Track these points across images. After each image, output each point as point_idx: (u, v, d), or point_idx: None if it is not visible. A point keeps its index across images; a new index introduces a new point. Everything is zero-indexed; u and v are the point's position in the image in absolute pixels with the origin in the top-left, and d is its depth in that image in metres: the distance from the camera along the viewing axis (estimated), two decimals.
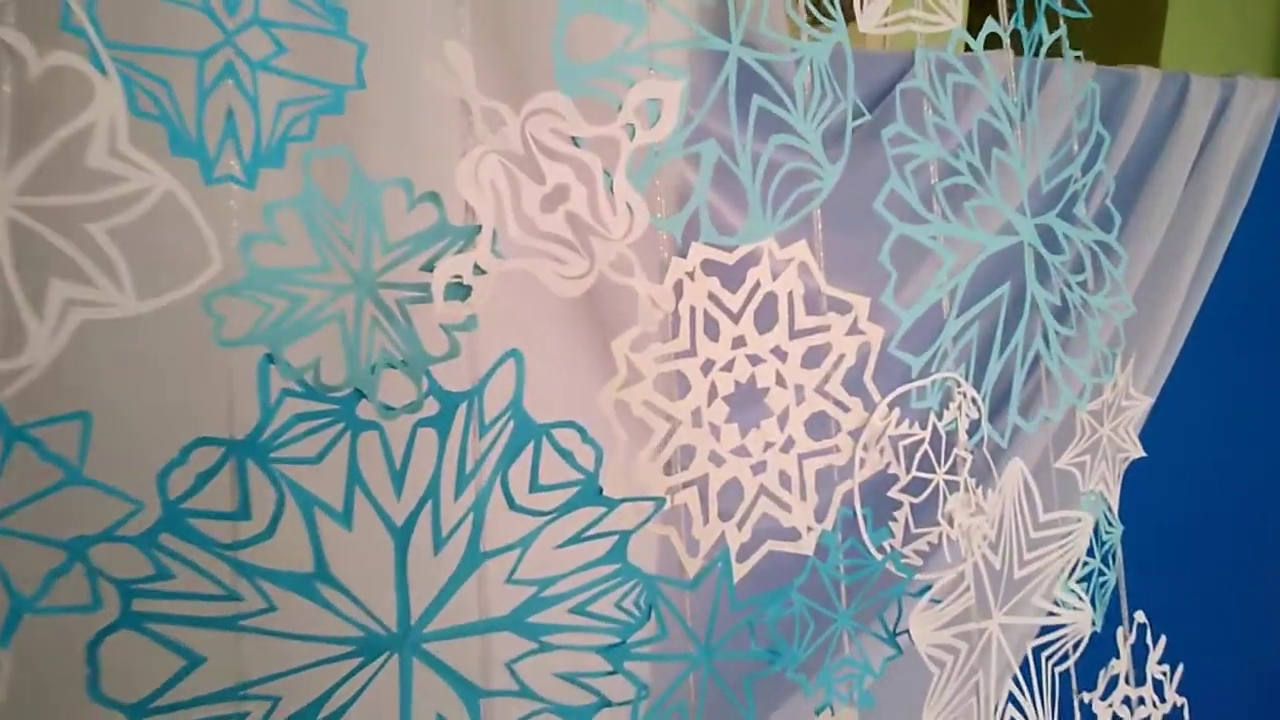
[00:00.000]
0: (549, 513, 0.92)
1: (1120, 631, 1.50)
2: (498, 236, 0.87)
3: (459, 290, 0.86)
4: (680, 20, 0.94)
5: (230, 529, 0.83)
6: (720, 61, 0.96)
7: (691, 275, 0.96)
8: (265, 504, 0.83)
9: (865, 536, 1.11)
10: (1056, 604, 1.35)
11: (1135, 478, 1.54)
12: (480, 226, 0.86)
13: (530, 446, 0.91)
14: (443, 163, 0.85)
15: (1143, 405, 1.49)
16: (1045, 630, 1.35)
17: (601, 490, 0.94)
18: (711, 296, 0.99)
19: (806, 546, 1.07)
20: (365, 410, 0.85)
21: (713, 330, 1.00)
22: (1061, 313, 1.32)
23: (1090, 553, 1.42)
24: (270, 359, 0.82)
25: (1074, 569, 1.38)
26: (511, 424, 0.90)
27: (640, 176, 0.93)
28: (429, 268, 0.85)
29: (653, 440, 0.96)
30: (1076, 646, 1.38)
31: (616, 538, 0.96)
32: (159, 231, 0.78)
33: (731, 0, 0.96)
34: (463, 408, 0.88)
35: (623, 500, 0.95)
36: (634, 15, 0.91)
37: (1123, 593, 1.52)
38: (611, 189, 0.92)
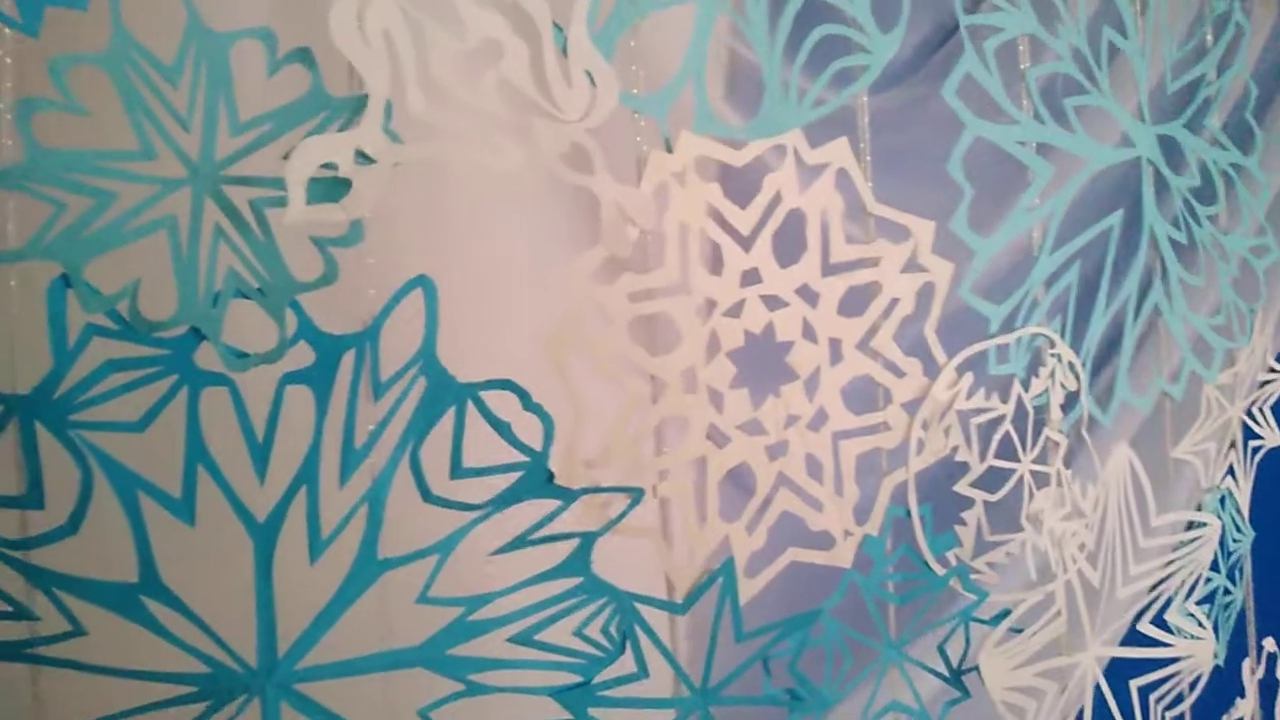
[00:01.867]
0: (479, 507, 0.70)
1: (1247, 664, 1.24)
2: (393, 111, 0.63)
3: (335, 187, 0.62)
4: None
5: (17, 520, 0.62)
6: None
7: (681, 178, 0.72)
8: (65, 486, 0.62)
9: (923, 544, 0.87)
10: (1170, 631, 1.09)
11: (1271, 472, 1.26)
12: (368, 97, 0.63)
13: (450, 414, 0.68)
14: (318, 6, 0.62)
15: None
16: (1154, 665, 1.09)
17: (553, 477, 0.71)
18: (712, 211, 0.74)
19: (843, 557, 0.83)
20: (207, 358, 0.62)
21: (713, 259, 0.75)
22: (1188, 254, 1.05)
23: (1214, 566, 1.16)
24: (66, 281, 0.60)
25: (1194, 587, 1.11)
26: (422, 381, 0.67)
27: (608, 33, 0.69)
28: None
29: (627, 409, 0.72)
30: (1194, 685, 1.12)
31: (577, 542, 0.73)
32: None
33: None
34: (349, 358, 0.65)
35: (583, 491, 0.71)
36: None
37: (1250, 615, 1.26)
38: (565, 49, 0.67)
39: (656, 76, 0.72)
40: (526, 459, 0.70)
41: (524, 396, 0.69)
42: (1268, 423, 1.24)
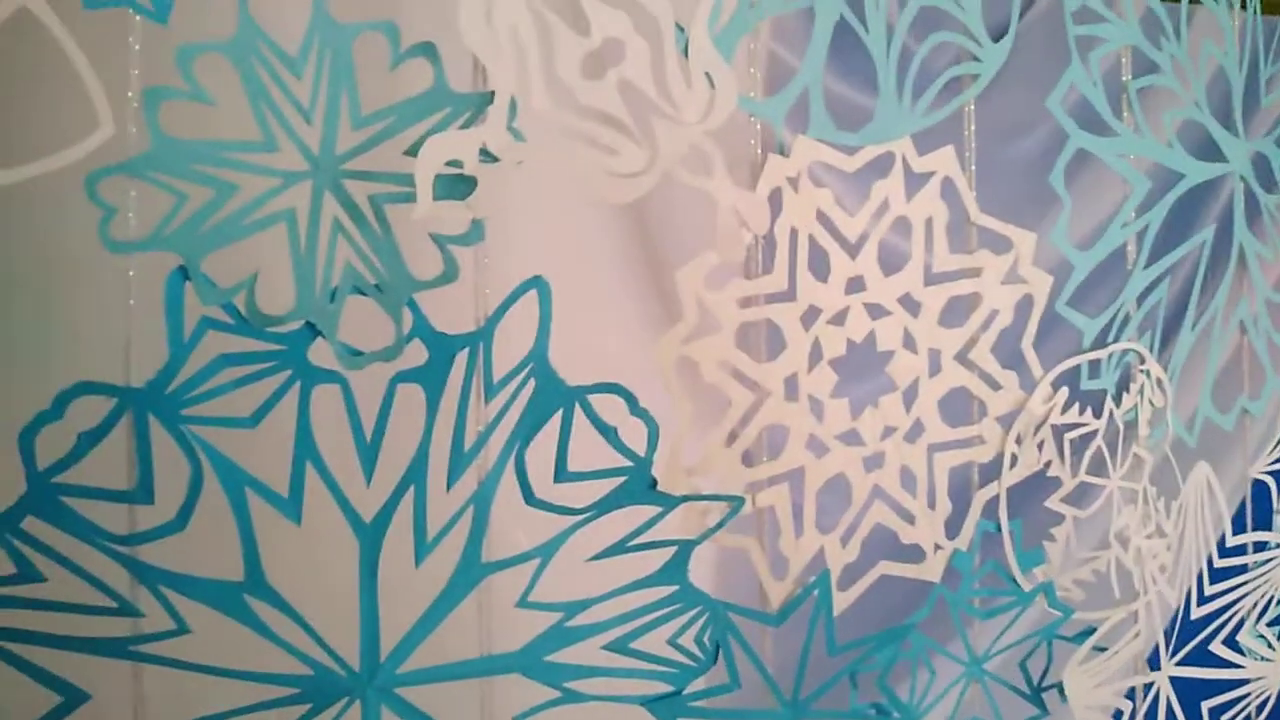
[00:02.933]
0: (582, 511, 0.68)
1: None
2: (517, 109, 0.62)
3: (459, 185, 0.61)
4: None
5: (126, 515, 0.60)
6: None
7: (795, 183, 0.70)
8: (175, 481, 0.61)
9: (1012, 560, 0.85)
10: (1242, 652, 1.07)
11: None
12: (494, 94, 0.61)
13: (558, 417, 0.67)
14: (444, 1, 0.61)
15: None
16: (1224, 686, 1.07)
17: (655, 483, 0.69)
18: (821, 217, 0.73)
19: (933, 570, 0.81)
20: (321, 354, 0.61)
21: (820, 266, 0.74)
22: (1275, 271, 1.03)
23: None
24: (184, 273, 0.58)
25: (1266, 608, 1.09)
26: (532, 384, 0.66)
27: (729, 36, 0.67)
28: (416, 151, 0.60)
29: (730, 416, 0.71)
30: (1262, 708, 1.10)
31: (675, 550, 0.72)
32: (12, 69, 0.55)
33: None
34: (462, 357, 0.64)
35: (684, 498, 0.70)
36: None
37: None
38: (686, 51, 0.66)
39: (773, 80, 0.70)
40: (631, 464, 0.69)
41: (631, 401, 0.67)
42: None
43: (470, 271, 0.63)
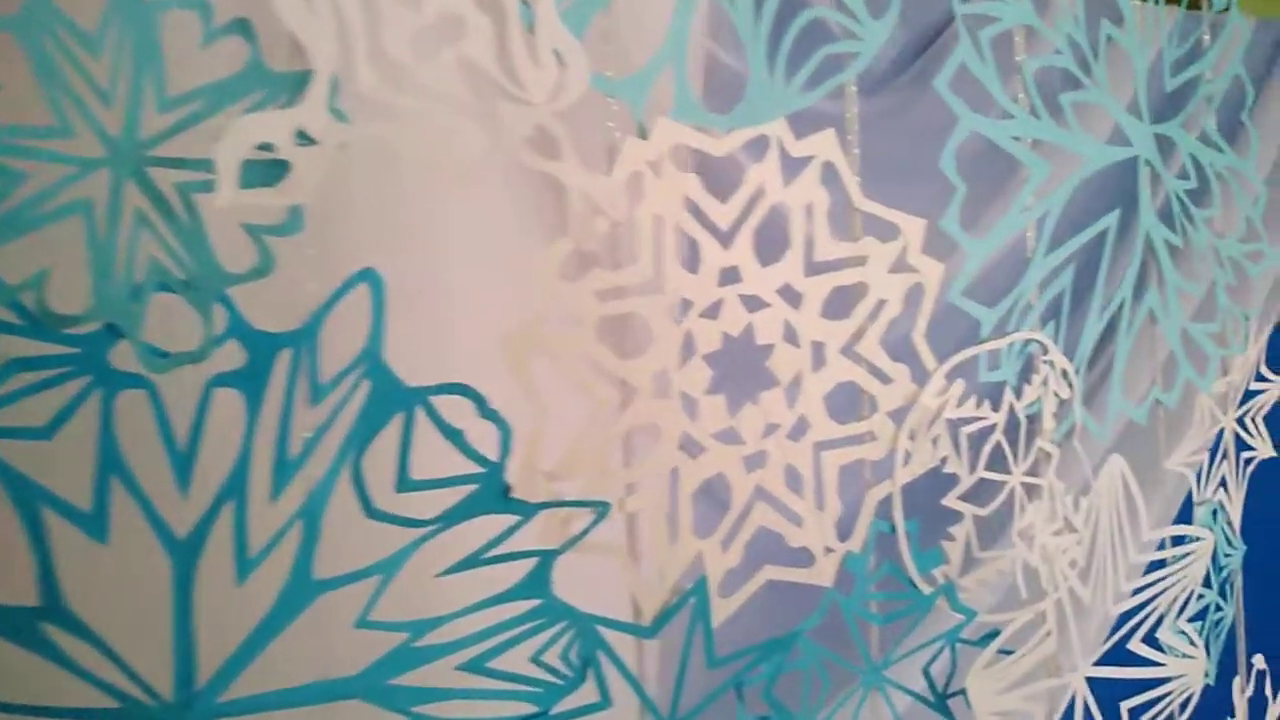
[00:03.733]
0: (429, 522, 0.63)
1: (1237, 683, 1.19)
2: (340, 89, 0.56)
3: (271, 170, 0.55)
4: None
5: None
6: None
7: (656, 168, 0.65)
8: None
9: (909, 561, 0.80)
10: (1162, 650, 1.04)
11: (1262, 484, 1.21)
12: (312, 72, 0.56)
13: (397, 421, 0.61)
14: None
15: (1276, 389, 1.16)
16: (1144, 685, 1.04)
17: (510, 490, 0.64)
18: (689, 204, 0.68)
19: (824, 575, 0.77)
20: (124, 357, 0.55)
21: (690, 256, 0.69)
22: (1183, 259, 1.00)
23: (1205, 582, 1.10)
24: None
25: (1186, 604, 1.06)
26: (366, 385, 0.61)
27: (580, 12, 0.63)
28: None
29: (593, 416, 0.66)
30: (1185, 706, 1.07)
31: (536, 561, 0.66)
32: None
33: None
34: (284, 358, 0.59)
35: (543, 505, 0.65)
36: None
37: (1240, 632, 1.21)
38: (532, 27, 0.61)
39: (633, 59, 0.66)
40: (481, 470, 0.64)
41: (479, 402, 0.62)
42: (1260, 433, 1.19)
43: (292, 265, 0.58)
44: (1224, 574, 1.15)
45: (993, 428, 0.83)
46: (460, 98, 0.59)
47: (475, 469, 0.64)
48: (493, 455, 0.64)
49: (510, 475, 0.64)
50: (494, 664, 0.66)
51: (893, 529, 0.80)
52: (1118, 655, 1.01)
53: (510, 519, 0.65)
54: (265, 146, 0.55)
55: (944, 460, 0.81)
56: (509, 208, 0.66)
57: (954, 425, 0.81)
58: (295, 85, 0.57)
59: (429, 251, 0.65)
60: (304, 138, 0.56)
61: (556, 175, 0.61)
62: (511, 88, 0.61)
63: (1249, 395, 1.15)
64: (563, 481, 0.66)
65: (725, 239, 0.71)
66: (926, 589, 0.82)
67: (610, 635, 0.69)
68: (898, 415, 0.79)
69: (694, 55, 0.71)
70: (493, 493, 0.64)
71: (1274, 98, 1.55)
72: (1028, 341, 0.86)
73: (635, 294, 0.67)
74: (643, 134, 0.66)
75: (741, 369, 0.73)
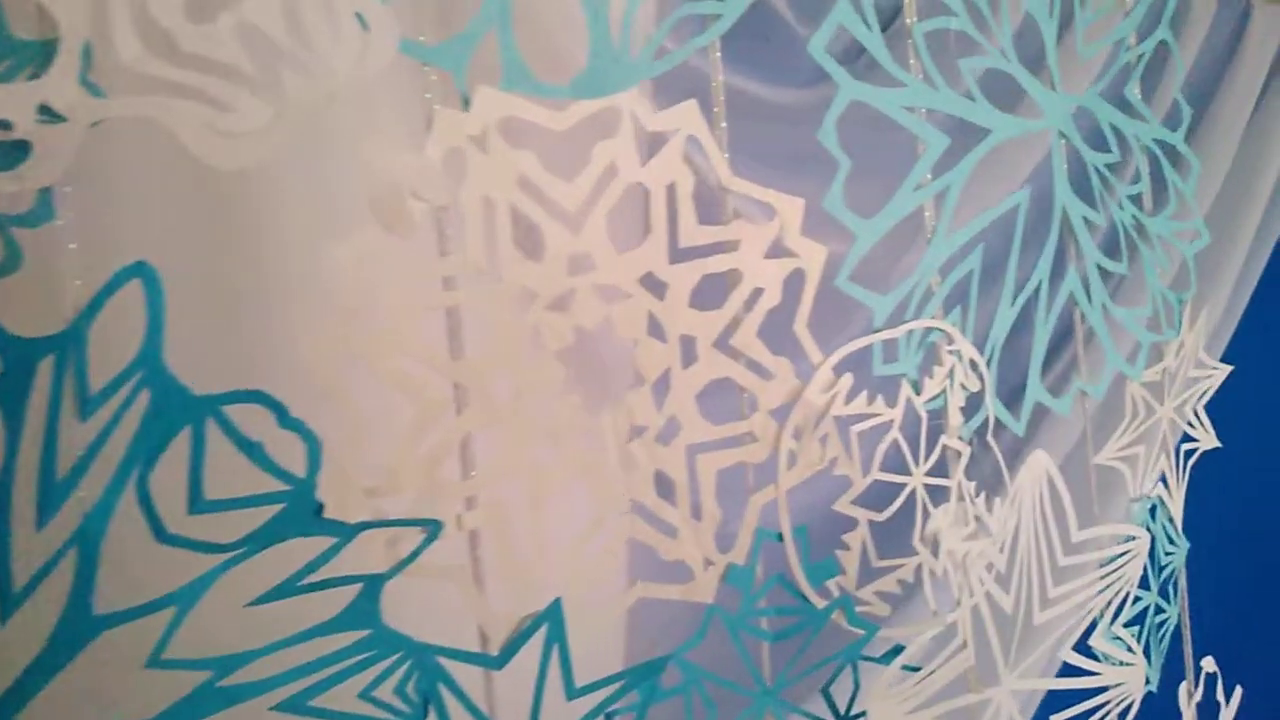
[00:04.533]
0: (231, 547, 0.57)
1: (1184, 688, 1.14)
2: (94, 58, 0.50)
3: (11, 152, 0.49)
4: None
5: None
6: None
7: (481, 143, 0.59)
8: None
9: (799, 572, 0.75)
10: (1096, 658, 0.98)
11: (1205, 476, 1.16)
12: (60, 40, 0.50)
13: (185, 434, 0.55)
14: None
15: (1218, 376, 1.12)
16: (1078, 696, 0.98)
17: (322, 509, 0.58)
18: (525, 184, 0.62)
19: (704, 590, 0.71)
20: None
21: (530, 242, 0.63)
22: (1107, 239, 0.95)
23: (1144, 583, 1.05)
24: None
25: (1121, 608, 1.01)
26: (145, 394, 0.54)
27: None
28: None
29: (419, 423, 0.60)
30: (1124, 715, 1.01)
31: (360, 587, 0.60)
32: None
33: None
34: (45, 366, 0.52)
35: (363, 525, 0.59)
36: None
37: (1186, 634, 1.16)
38: None
39: (453, 21, 0.60)
40: (287, 488, 0.58)
41: (280, 411, 0.56)
42: (1202, 423, 1.14)
43: (48, 260, 0.52)
44: (1165, 573, 1.10)
45: (889, 425, 0.77)
46: (241, 68, 0.53)
47: (281, 486, 0.58)
48: (299, 471, 0.58)
49: (322, 492, 0.58)
50: (317, 702, 0.60)
51: (779, 538, 0.74)
52: (1048, 666, 0.96)
53: (327, 541, 0.59)
54: (4, 125, 0.49)
55: (834, 462, 0.75)
56: (301, 190, 0.60)
57: (844, 423, 0.75)
58: (37, 54, 0.51)
59: (210, 242, 0.59)
60: (48, 114, 0.50)
61: (358, 153, 0.55)
62: (304, 55, 0.55)
63: (1188, 383, 1.10)
64: (386, 498, 0.60)
65: (574, 223, 0.65)
66: (820, 603, 0.76)
67: (454, 666, 0.64)
68: (781, 414, 0.73)
69: (541, 19, 0.65)
70: (302, 512, 0.58)
71: (1242, 79, 1.53)
72: (929, 330, 0.80)
73: (465, 284, 0.61)
74: (466, 106, 0.60)
75: (600, 366, 0.68)
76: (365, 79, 0.56)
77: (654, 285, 0.68)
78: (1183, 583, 1.15)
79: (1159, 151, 1.02)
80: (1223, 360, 1.30)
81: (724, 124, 0.71)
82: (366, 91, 0.56)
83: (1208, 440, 1.14)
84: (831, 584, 0.76)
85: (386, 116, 0.57)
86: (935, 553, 0.81)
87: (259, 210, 0.60)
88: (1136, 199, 0.99)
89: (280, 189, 0.59)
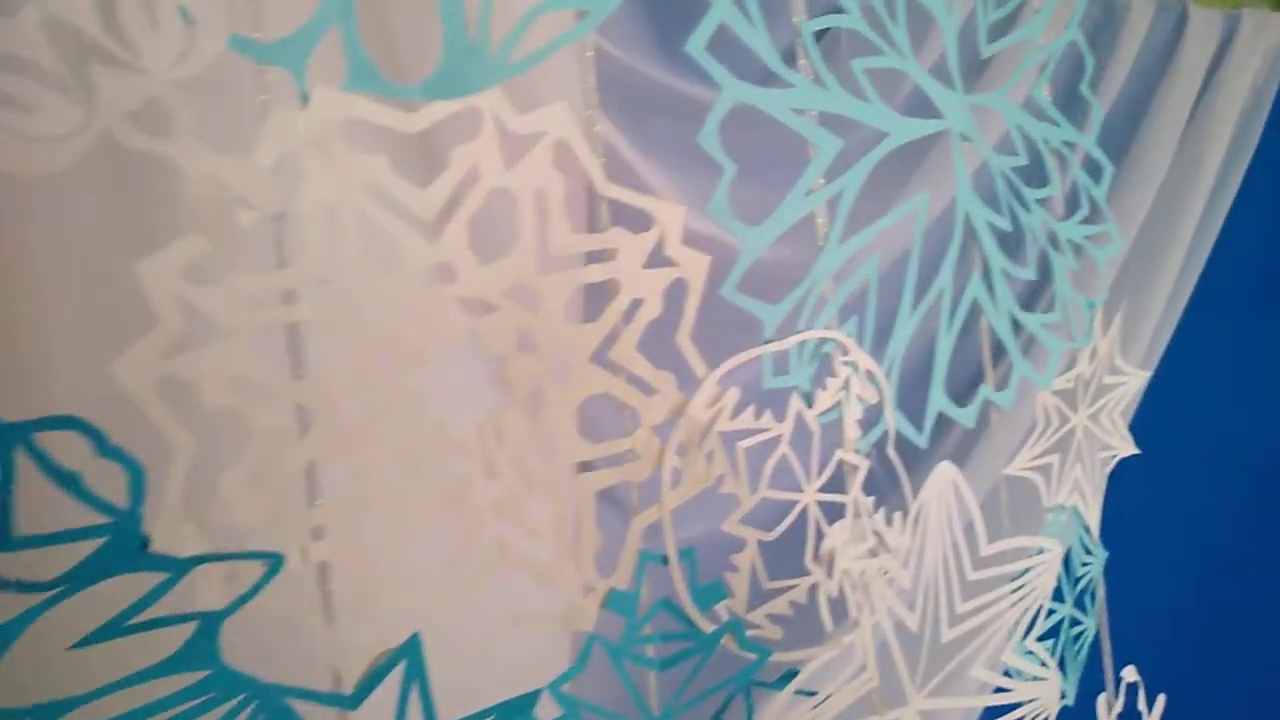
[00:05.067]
0: (48, 586, 0.53)
1: (1103, 699, 1.13)
2: None
3: None
4: None
5: None
6: None
7: (322, 146, 0.56)
8: None
9: (685, 596, 0.72)
10: (1009, 674, 0.97)
11: (1124, 483, 1.15)
12: None
13: None
14: None
15: (1135, 382, 1.11)
16: (992, 713, 0.97)
17: (148, 542, 0.54)
18: (374, 190, 0.58)
19: (583, 618, 0.68)
20: None
21: (383, 252, 0.59)
22: (1013, 244, 0.93)
23: (1058, 595, 1.04)
24: None
25: (1034, 622, 0.99)
26: None
27: None
28: None
29: (256, 449, 0.56)
30: None
31: (196, 626, 0.56)
32: None
33: None
34: None
35: (195, 559, 0.55)
36: None
37: (1105, 644, 1.15)
38: None
39: (291, 16, 0.56)
40: (109, 520, 0.54)
41: (98, 438, 0.52)
42: (1118, 430, 1.13)
43: None
44: (1081, 584, 1.09)
45: (778, 440, 0.75)
46: (44, 65, 0.49)
47: (101, 519, 0.54)
48: (121, 502, 0.54)
49: (148, 524, 0.54)
50: None
51: (665, 560, 0.71)
52: (957, 684, 0.94)
53: (158, 577, 0.56)
54: None
55: (721, 479, 0.72)
56: (114, 199, 0.56)
57: (730, 439, 0.73)
58: None
59: (12, 256, 0.55)
60: None
61: (172, 156, 0.51)
62: (119, 52, 0.51)
63: (1103, 390, 1.09)
64: (221, 529, 0.56)
65: (431, 232, 0.61)
66: (709, 627, 0.73)
67: (304, 707, 0.60)
68: (663, 429, 0.71)
69: (390, 14, 0.62)
70: (127, 546, 0.54)
71: (1178, 84, 1.54)
72: (822, 341, 0.78)
73: (308, 298, 0.57)
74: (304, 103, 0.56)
75: (467, 382, 0.64)
76: (184, 77, 0.52)
77: (524, 297, 0.65)
78: (1101, 593, 1.14)
79: (1069, 153, 1.00)
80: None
81: (598, 127, 0.68)
82: (192, 92, 0.52)
83: (1125, 447, 1.14)
84: (721, 607, 0.74)
85: (217, 119, 0.53)
86: (830, 572, 0.78)
87: (69, 222, 0.56)
88: (1046, 203, 0.97)
89: (93, 197, 0.55)
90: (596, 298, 0.68)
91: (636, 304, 0.69)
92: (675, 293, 0.70)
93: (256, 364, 0.56)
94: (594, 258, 0.67)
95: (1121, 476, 1.15)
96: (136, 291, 0.52)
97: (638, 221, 0.68)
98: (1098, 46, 1.53)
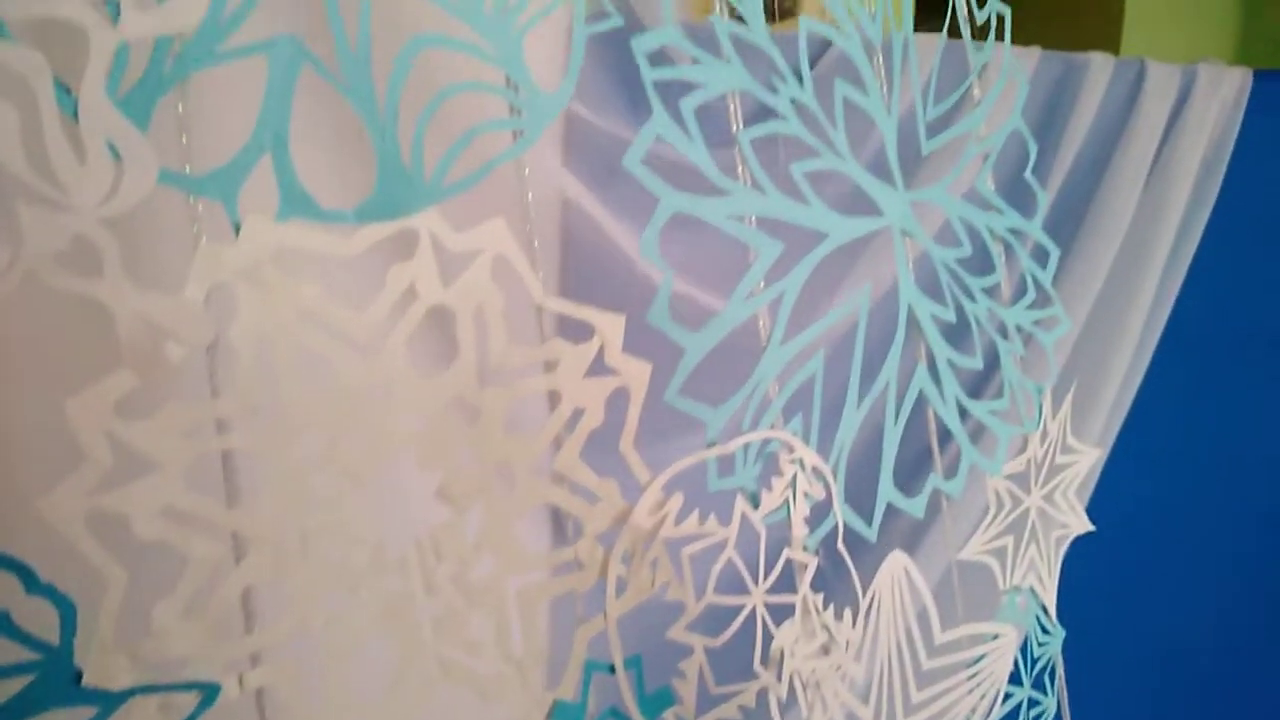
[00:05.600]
0: None
1: None
2: None
3: None
4: None
5: None
6: None
7: (252, 277, 0.56)
8: None
9: (633, 706, 0.71)
10: None
11: (1080, 559, 1.16)
12: None
13: None
14: None
15: (1088, 460, 1.12)
16: None
17: (80, 676, 0.53)
18: (307, 316, 0.59)
19: None
20: None
21: (317, 375, 0.59)
22: (958, 334, 0.94)
23: (1015, 678, 1.04)
24: None
25: (992, 707, 0.99)
26: None
27: (142, 96, 0.54)
28: None
29: (191, 578, 0.55)
30: None
31: None
32: None
33: None
34: None
35: (129, 693, 0.54)
36: None
37: None
38: (76, 115, 0.52)
39: (221, 148, 0.57)
40: (39, 657, 0.53)
41: (26, 575, 0.52)
42: (1073, 508, 1.13)
43: None
44: (1039, 665, 1.09)
45: (724, 544, 0.75)
46: None
47: (31, 655, 0.53)
48: (53, 638, 0.53)
49: (80, 658, 0.54)
50: None
51: (612, 669, 0.71)
52: None
53: (88, 710, 0.55)
54: None
55: (665, 586, 0.72)
56: (41, 334, 0.56)
57: (674, 545, 0.73)
58: None
59: None
60: None
61: (98, 297, 0.51)
62: (46, 189, 0.51)
63: (1056, 470, 1.10)
64: (155, 660, 0.56)
65: (367, 353, 0.62)
66: None
67: None
68: (607, 538, 0.71)
69: (322, 140, 0.63)
70: (58, 681, 0.54)
71: (1138, 139, 1.56)
72: (767, 441, 0.78)
73: (239, 427, 0.57)
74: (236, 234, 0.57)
75: (403, 499, 0.64)
76: (114, 214, 0.53)
77: (464, 410, 0.65)
78: (1060, 670, 1.14)
79: (1015, 241, 1.02)
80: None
81: (536, 242, 0.69)
82: (121, 227, 0.53)
83: (1080, 525, 1.14)
84: (669, 714, 0.73)
85: (147, 252, 0.53)
86: (780, 674, 0.78)
87: None
88: (992, 290, 0.99)
89: (20, 336, 0.55)
90: (535, 409, 0.68)
91: (578, 413, 0.69)
92: (617, 400, 0.70)
93: (188, 494, 0.56)
94: (533, 369, 0.68)
95: (1078, 552, 1.16)
96: (74, 427, 0.51)
97: (578, 331, 0.69)
98: (1058, 107, 1.56)
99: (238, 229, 0.57)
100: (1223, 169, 1.69)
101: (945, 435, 0.94)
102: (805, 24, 0.78)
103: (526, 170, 0.68)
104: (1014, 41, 1.00)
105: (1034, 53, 1.53)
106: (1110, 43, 2.34)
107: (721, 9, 0.78)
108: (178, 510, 0.56)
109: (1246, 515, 1.64)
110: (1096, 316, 1.52)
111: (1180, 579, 1.56)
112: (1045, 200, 1.07)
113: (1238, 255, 1.81)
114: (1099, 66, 1.57)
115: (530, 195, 0.68)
